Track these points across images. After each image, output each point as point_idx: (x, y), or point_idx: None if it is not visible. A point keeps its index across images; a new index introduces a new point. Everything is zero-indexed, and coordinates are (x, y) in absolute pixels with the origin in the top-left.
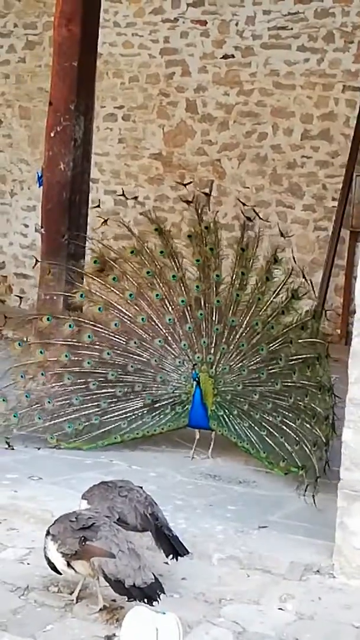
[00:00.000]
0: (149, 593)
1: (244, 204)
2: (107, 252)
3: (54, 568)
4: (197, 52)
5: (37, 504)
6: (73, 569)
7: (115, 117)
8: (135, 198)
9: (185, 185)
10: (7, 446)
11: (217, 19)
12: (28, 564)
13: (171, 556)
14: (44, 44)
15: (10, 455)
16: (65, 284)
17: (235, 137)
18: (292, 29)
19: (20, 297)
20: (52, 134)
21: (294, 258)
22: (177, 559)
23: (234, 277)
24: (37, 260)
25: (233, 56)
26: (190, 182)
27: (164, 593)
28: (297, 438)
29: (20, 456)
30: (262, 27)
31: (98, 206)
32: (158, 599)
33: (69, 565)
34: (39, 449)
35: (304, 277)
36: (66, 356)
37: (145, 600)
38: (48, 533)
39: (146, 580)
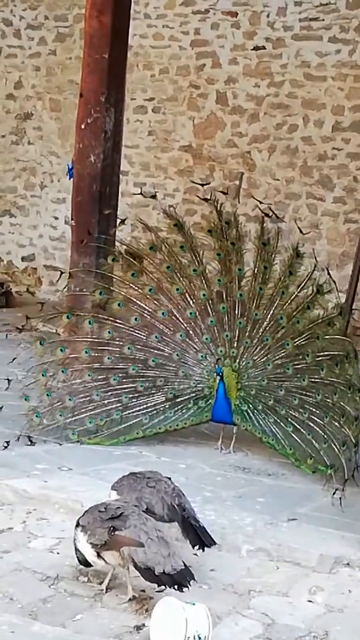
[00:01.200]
0: (179, 579)
1: (260, 202)
2: (128, 248)
3: (83, 561)
4: (227, 44)
5: (67, 494)
6: (103, 559)
7: (145, 109)
8: (154, 197)
9: (202, 185)
10: (29, 443)
11: (248, 10)
12: (58, 553)
13: (197, 547)
14: (75, 36)
15: (40, 446)
16: (95, 278)
17: (265, 129)
18: (323, 20)
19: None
20: (82, 126)
21: (314, 254)
22: (203, 550)
23: (256, 271)
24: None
25: (264, 47)
26: (209, 184)
27: (195, 580)
28: (325, 436)
29: (50, 447)
30: (294, 18)
31: (140, 193)
32: (188, 586)
33: (99, 555)
34: (60, 444)
35: (328, 273)
36: (86, 352)
37: (176, 586)
38: (78, 524)
39: (176, 567)
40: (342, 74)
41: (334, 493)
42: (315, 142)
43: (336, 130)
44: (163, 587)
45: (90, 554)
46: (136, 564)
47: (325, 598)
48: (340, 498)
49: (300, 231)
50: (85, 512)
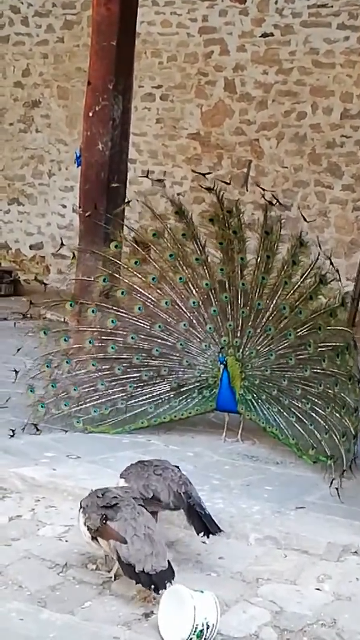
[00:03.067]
0: (156, 581)
1: (263, 189)
2: (134, 235)
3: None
4: (235, 31)
5: (75, 482)
6: (98, 542)
7: (153, 97)
8: (159, 180)
9: (204, 175)
10: (36, 431)
11: None
12: (66, 541)
13: (202, 534)
14: (83, 23)
15: (48, 434)
16: (102, 264)
17: (273, 116)
18: (332, 6)
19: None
20: (90, 114)
21: (319, 244)
22: (208, 537)
23: (259, 260)
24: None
25: (272, 34)
26: (211, 173)
27: (173, 579)
28: (326, 426)
29: (58, 435)
30: (302, 4)
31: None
32: (164, 588)
33: (93, 539)
34: (65, 431)
35: (330, 262)
36: (90, 342)
37: (152, 587)
38: (80, 504)
39: (156, 568)
40: (351, 60)
41: (331, 484)
42: (323, 129)
43: (345, 117)
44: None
45: (85, 536)
46: (119, 557)
47: (333, 586)
48: (337, 489)
49: (305, 219)
50: (89, 494)
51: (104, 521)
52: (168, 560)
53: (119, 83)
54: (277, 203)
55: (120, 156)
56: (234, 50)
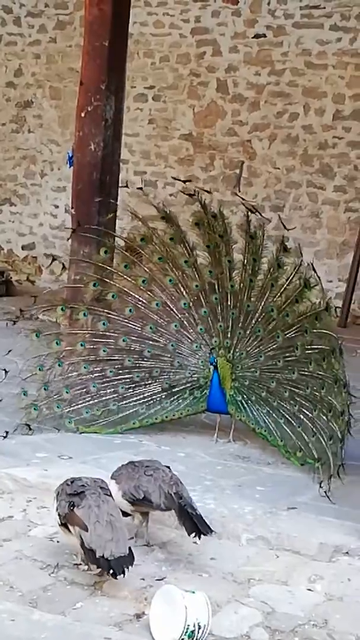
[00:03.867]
0: (114, 566)
1: (243, 199)
2: (121, 241)
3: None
4: (228, 32)
5: None
6: (67, 529)
7: (146, 98)
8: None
9: (184, 182)
10: (28, 431)
11: None
12: (58, 542)
13: (194, 534)
14: (75, 23)
15: (40, 435)
16: (92, 269)
17: (266, 117)
18: (324, 7)
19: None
20: (82, 114)
21: (300, 252)
22: (199, 538)
23: (245, 263)
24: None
25: (265, 35)
26: (190, 181)
27: (130, 566)
28: (314, 429)
29: (50, 436)
30: (294, 5)
31: (125, 185)
32: (122, 574)
33: (63, 525)
34: (58, 430)
35: (313, 269)
36: (82, 345)
37: (111, 572)
38: (54, 492)
39: (115, 554)
40: (343, 62)
41: (320, 486)
42: (315, 130)
43: (337, 118)
44: (102, 570)
45: (56, 522)
46: (82, 543)
47: (325, 586)
48: (326, 492)
49: (284, 227)
50: (62, 483)
51: (71, 508)
52: (129, 547)
53: (112, 83)
54: (256, 213)
55: (112, 157)
56: (226, 51)
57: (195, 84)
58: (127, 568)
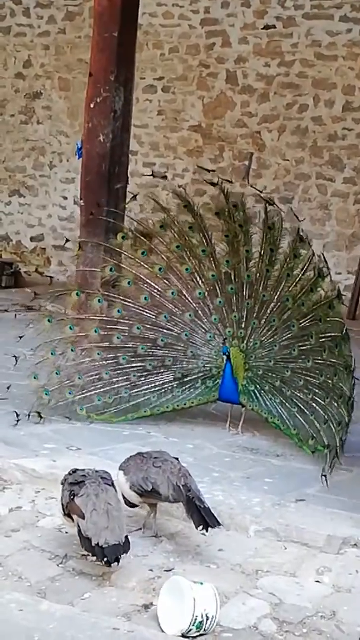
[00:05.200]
0: (108, 554)
1: (260, 192)
2: (138, 226)
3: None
4: (237, 23)
5: None
6: (70, 518)
7: (155, 89)
8: (164, 177)
9: (209, 171)
10: (39, 419)
11: None
12: (66, 532)
13: (201, 527)
14: (84, 14)
15: (49, 426)
16: (103, 256)
17: (275, 108)
18: None
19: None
20: (91, 105)
21: (309, 243)
22: (207, 530)
23: (262, 253)
24: (66, 240)
25: (274, 26)
26: (214, 170)
27: (124, 554)
28: (325, 416)
29: (58, 426)
30: None
31: (152, 174)
32: (116, 562)
33: (66, 514)
34: (69, 419)
35: (324, 259)
36: (95, 331)
37: (104, 560)
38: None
39: (109, 542)
40: (353, 53)
41: (323, 471)
42: (325, 122)
43: (347, 110)
44: (96, 558)
45: (59, 511)
46: (79, 531)
47: (333, 578)
48: (324, 476)
49: (297, 218)
50: (66, 473)
51: (72, 497)
52: (126, 536)
53: (121, 74)
54: (274, 205)
55: (121, 148)
56: (235, 42)
57: (204, 75)
58: (120, 556)
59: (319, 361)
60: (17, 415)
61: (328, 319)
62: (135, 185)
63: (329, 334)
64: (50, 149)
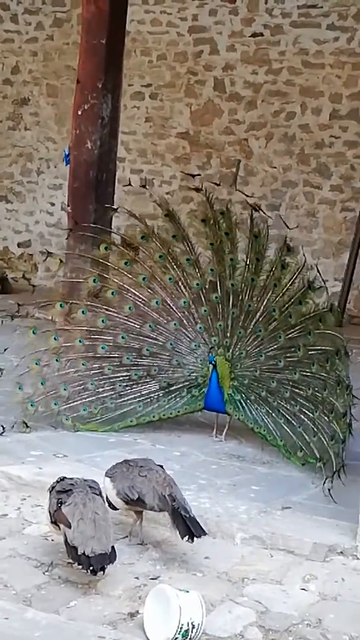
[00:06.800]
0: (93, 563)
1: (247, 196)
2: (121, 238)
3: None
4: (225, 30)
5: None
6: (57, 526)
7: (143, 96)
8: (144, 186)
9: (194, 176)
10: (25, 428)
11: None
12: (52, 540)
13: (187, 537)
14: (72, 21)
15: (35, 433)
16: (91, 265)
17: (263, 116)
18: (322, 7)
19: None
20: (79, 112)
21: (302, 252)
22: (192, 540)
23: (248, 262)
24: (48, 253)
25: (262, 34)
26: (200, 175)
27: (111, 564)
28: (315, 429)
29: (45, 433)
30: (292, 5)
31: (129, 184)
32: (102, 571)
33: (53, 522)
34: (55, 428)
35: (317, 271)
36: (80, 342)
37: (90, 569)
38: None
39: (95, 551)
40: (340, 61)
41: (324, 483)
42: (312, 129)
43: (334, 118)
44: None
45: (46, 519)
46: (66, 540)
47: (319, 586)
48: (329, 490)
49: (287, 226)
50: (54, 481)
51: (59, 505)
52: (113, 547)
53: (108, 81)
54: (259, 211)
55: (109, 155)
56: (223, 50)
57: (192, 83)
58: (106, 566)
59: (307, 374)
60: (3, 428)
61: (318, 331)
62: (123, 193)
63: (319, 347)
64: (37, 155)
